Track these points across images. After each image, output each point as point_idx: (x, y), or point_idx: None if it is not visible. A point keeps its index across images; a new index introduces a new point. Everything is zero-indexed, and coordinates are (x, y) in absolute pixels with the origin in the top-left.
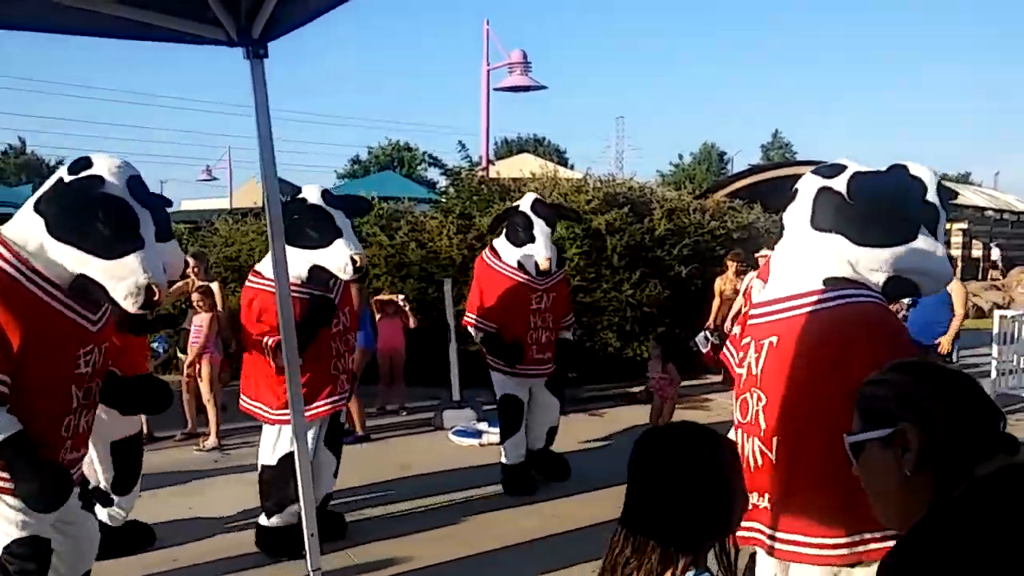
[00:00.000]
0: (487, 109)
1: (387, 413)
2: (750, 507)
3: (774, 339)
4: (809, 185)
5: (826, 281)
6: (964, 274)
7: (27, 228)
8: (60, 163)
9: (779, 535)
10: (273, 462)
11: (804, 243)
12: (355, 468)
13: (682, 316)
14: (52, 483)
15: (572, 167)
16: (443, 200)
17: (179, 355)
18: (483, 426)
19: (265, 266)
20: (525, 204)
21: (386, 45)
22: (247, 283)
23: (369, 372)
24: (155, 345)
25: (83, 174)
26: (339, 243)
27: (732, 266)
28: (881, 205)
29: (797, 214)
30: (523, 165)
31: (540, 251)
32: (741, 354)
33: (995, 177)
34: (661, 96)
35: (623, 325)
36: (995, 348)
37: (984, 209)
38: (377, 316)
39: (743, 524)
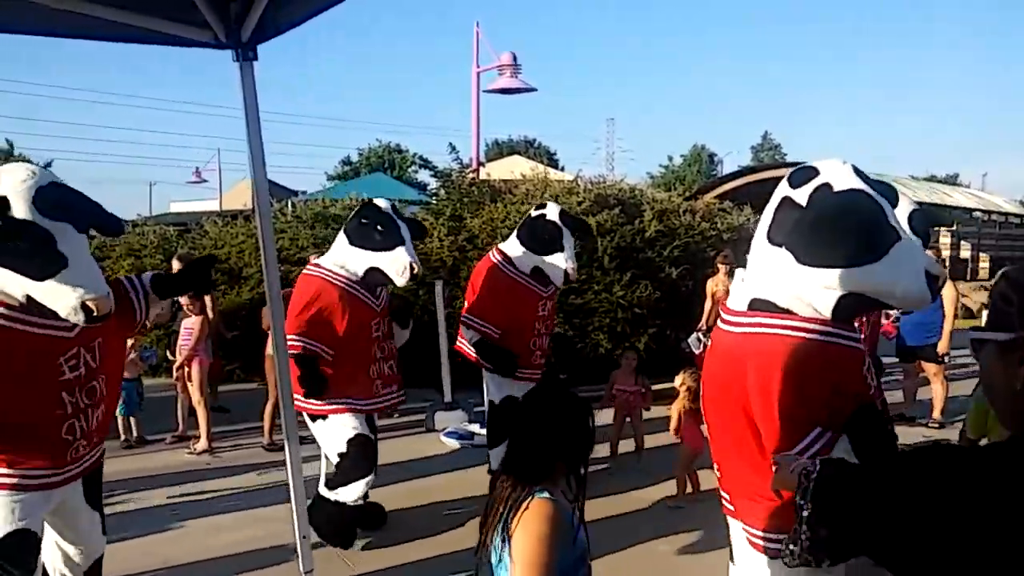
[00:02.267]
0: (477, 111)
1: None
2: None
3: (711, 346)
4: (778, 192)
5: (751, 303)
6: (952, 275)
7: None
8: (48, 165)
9: (727, 507)
10: (344, 448)
11: (758, 254)
12: None
13: (673, 317)
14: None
15: (563, 169)
16: (434, 202)
17: (169, 357)
18: (475, 428)
19: (326, 258)
20: (552, 213)
21: (376, 47)
22: (307, 271)
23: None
24: (147, 354)
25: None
26: (401, 249)
27: (723, 268)
28: (836, 222)
29: (762, 222)
30: (514, 167)
31: (570, 261)
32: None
33: (983, 178)
34: (651, 98)
35: (614, 326)
36: None
37: (972, 210)
38: None
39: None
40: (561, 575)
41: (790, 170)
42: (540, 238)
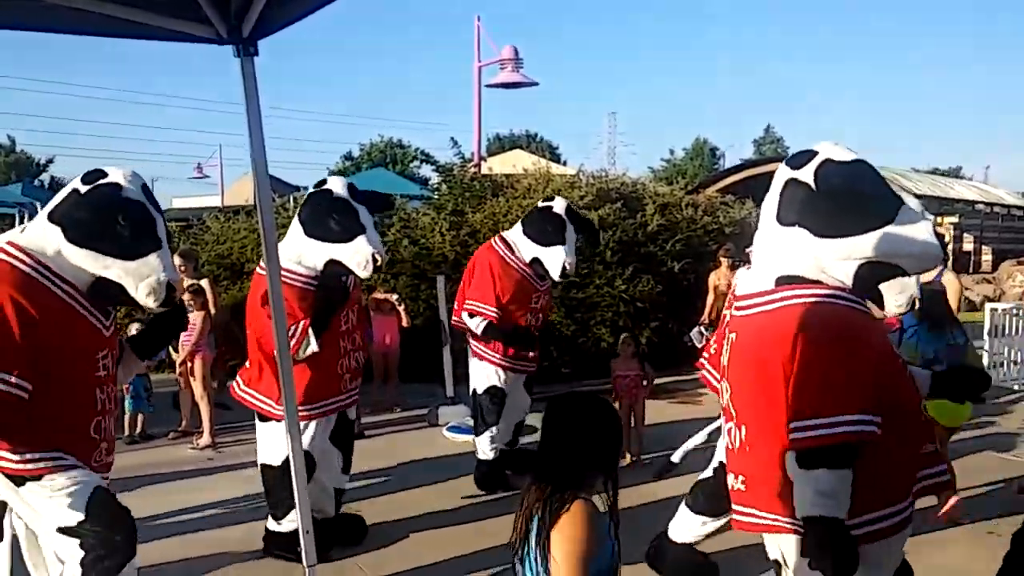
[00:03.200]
0: (479, 105)
1: (381, 410)
2: (733, 490)
3: (734, 336)
4: (779, 177)
5: (779, 280)
6: (955, 268)
7: (42, 237)
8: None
9: (760, 514)
10: (278, 461)
11: (769, 239)
12: None
13: (675, 311)
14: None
15: (565, 163)
16: (435, 197)
17: (172, 353)
18: None
19: (283, 256)
20: (559, 207)
21: (378, 42)
22: (260, 272)
23: (364, 370)
24: None
25: (100, 182)
26: (361, 239)
27: (725, 261)
28: (847, 192)
29: (767, 207)
30: (516, 161)
31: (569, 256)
32: (723, 344)
33: (986, 171)
34: (653, 91)
35: (616, 320)
36: (987, 341)
37: (975, 203)
38: (371, 314)
39: (734, 508)
40: None
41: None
42: (543, 229)
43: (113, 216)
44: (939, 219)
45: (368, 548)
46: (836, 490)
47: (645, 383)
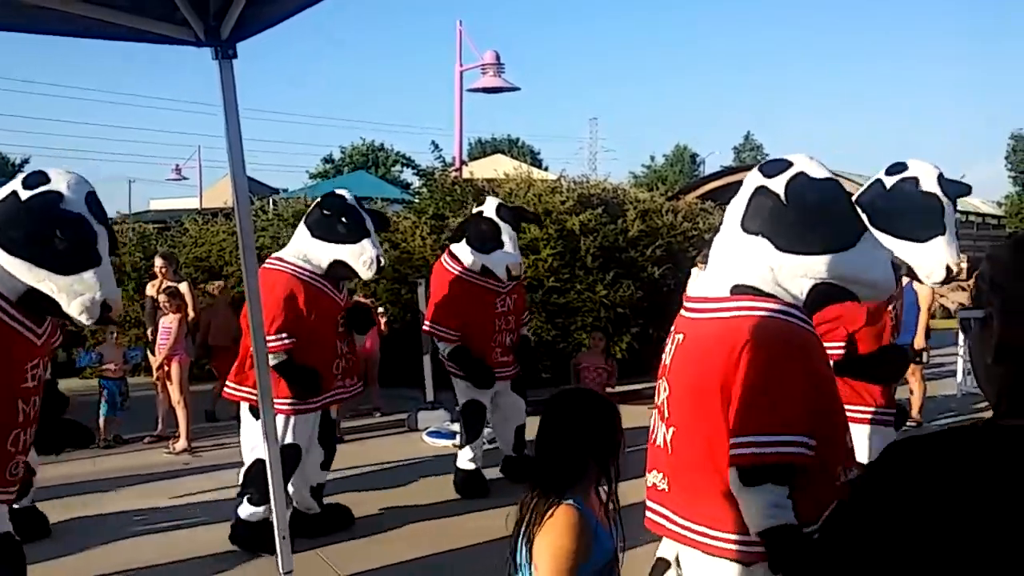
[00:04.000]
0: (460, 110)
1: (361, 415)
2: (651, 486)
3: (680, 336)
4: (749, 182)
5: (734, 288)
6: None
7: None
8: (26, 161)
9: (674, 518)
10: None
11: (731, 244)
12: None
13: (655, 317)
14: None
15: (546, 168)
16: (416, 201)
17: (148, 357)
18: (457, 427)
19: (287, 252)
20: (489, 210)
21: (359, 45)
22: (267, 266)
23: None
24: (132, 354)
25: (40, 189)
26: (366, 242)
27: (703, 267)
28: (816, 210)
29: (733, 211)
30: (497, 166)
31: (512, 257)
32: (668, 341)
33: (961, 179)
34: (634, 98)
35: (597, 325)
36: (961, 347)
37: None
38: None
39: (648, 505)
40: None
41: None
42: (480, 236)
43: (51, 229)
44: None
45: (345, 550)
46: (784, 502)
47: (609, 372)
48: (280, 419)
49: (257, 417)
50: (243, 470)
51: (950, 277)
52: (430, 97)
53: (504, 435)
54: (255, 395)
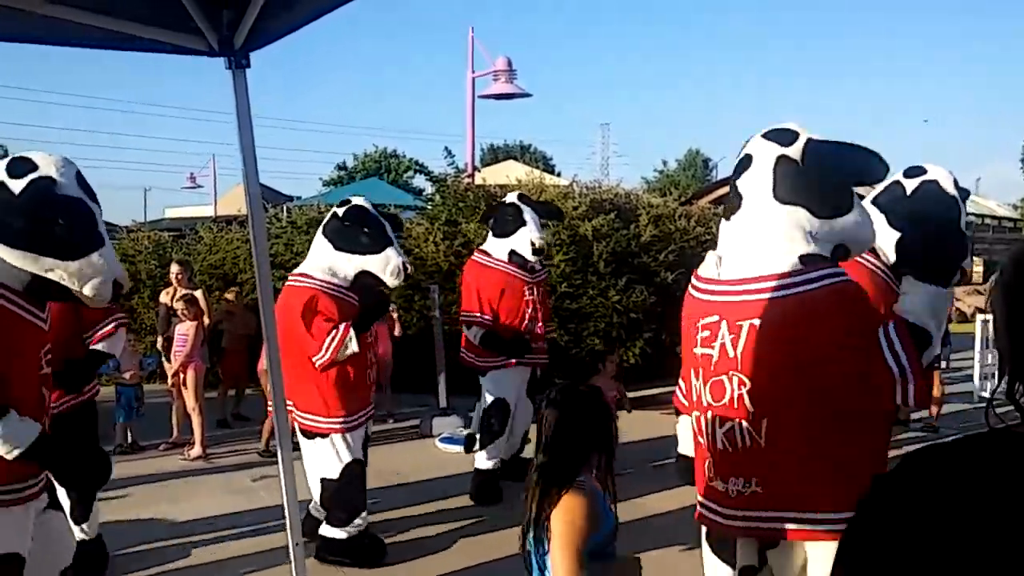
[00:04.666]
0: (472, 116)
1: (373, 420)
2: (733, 495)
3: (756, 321)
4: (765, 152)
5: (803, 259)
6: None
7: None
8: None
9: (775, 515)
10: (336, 474)
11: (768, 215)
12: None
13: (668, 322)
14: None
15: (558, 174)
16: (429, 207)
17: (164, 364)
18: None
19: (311, 267)
20: (511, 197)
21: (371, 52)
22: (292, 283)
23: None
24: (148, 361)
25: (31, 177)
26: (391, 250)
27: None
28: (833, 173)
29: (756, 183)
30: (509, 172)
31: (533, 231)
32: (704, 333)
33: (976, 183)
34: (646, 103)
35: (609, 331)
36: (978, 352)
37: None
38: None
39: (726, 512)
40: (594, 551)
41: (765, 129)
42: (503, 221)
43: (52, 216)
44: None
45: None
46: None
47: (619, 398)
48: (338, 438)
49: (310, 438)
50: (317, 495)
51: (964, 278)
52: (443, 104)
53: (512, 439)
54: (307, 418)
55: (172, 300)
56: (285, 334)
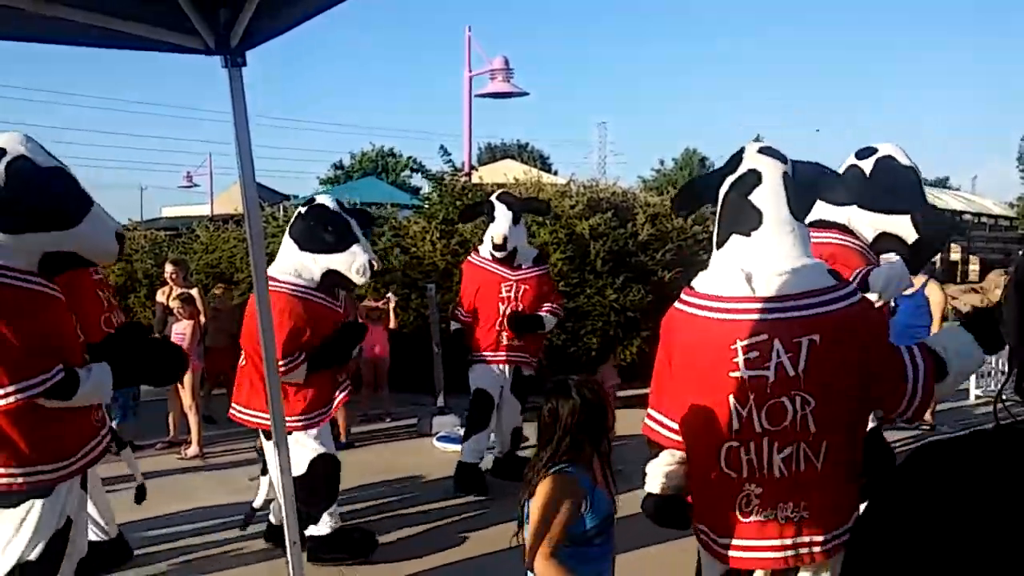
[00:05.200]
0: (469, 115)
1: (371, 420)
2: (783, 521)
3: (815, 337)
4: (772, 169)
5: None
6: (943, 277)
7: None
8: None
9: (819, 539)
10: (303, 469)
11: (792, 231)
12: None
13: None
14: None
15: (556, 173)
16: (426, 206)
17: None
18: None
19: (277, 269)
20: (493, 196)
21: (369, 51)
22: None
23: (353, 379)
24: None
25: (5, 160)
26: (356, 248)
27: None
28: (811, 192)
29: (772, 199)
30: (506, 171)
31: (496, 226)
32: (752, 354)
33: (973, 181)
34: (643, 102)
35: (607, 330)
36: None
37: (962, 213)
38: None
39: (765, 544)
40: (579, 538)
41: (756, 144)
42: (487, 220)
43: (44, 191)
44: None
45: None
46: None
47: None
48: (300, 436)
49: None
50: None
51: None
52: (440, 103)
53: (501, 436)
54: (266, 419)
55: (168, 299)
56: (248, 336)
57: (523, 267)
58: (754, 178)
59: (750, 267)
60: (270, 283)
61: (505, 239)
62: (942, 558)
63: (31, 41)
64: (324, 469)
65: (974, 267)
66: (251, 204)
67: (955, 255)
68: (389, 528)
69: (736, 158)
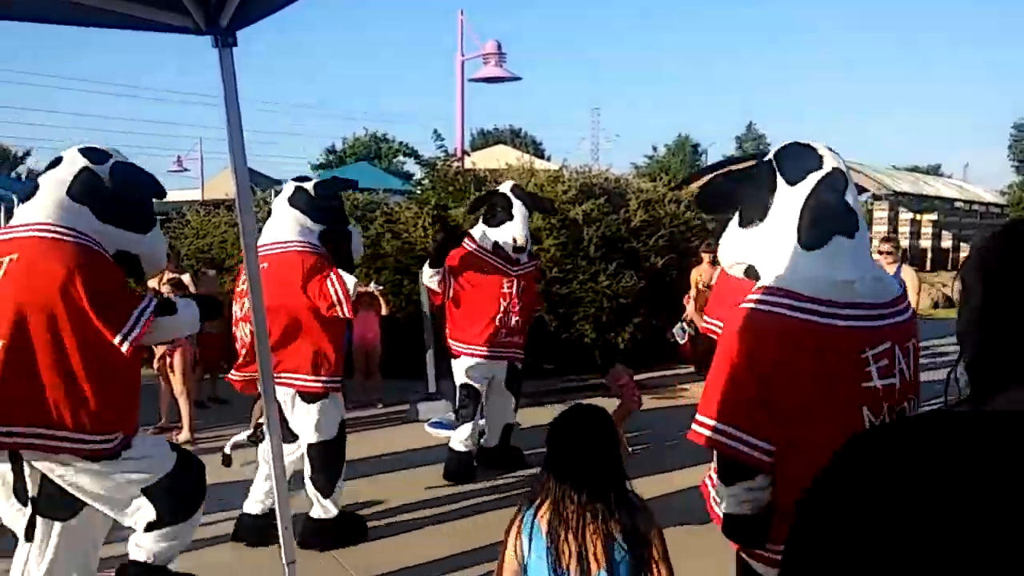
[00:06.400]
0: (462, 100)
1: (363, 406)
2: None
3: (913, 341)
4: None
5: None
6: (934, 265)
7: (72, 218)
8: (28, 153)
9: None
10: (334, 434)
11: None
12: None
13: (658, 307)
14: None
15: (549, 158)
16: (418, 191)
17: (151, 347)
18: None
19: (287, 234)
20: (505, 188)
21: (360, 34)
22: (298, 249)
23: (345, 365)
24: None
25: (111, 161)
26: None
27: (707, 257)
28: None
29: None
30: (499, 156)
31: (517, 227)
32: (883, 362)
33: (964, 169)
34: (636, 88)
35: (599, 316)
36: None
37: (953, 200)
38: None
39: None
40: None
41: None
42: (492, 210)
43: (136, 194)
44: (918, 216)
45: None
46: None
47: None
48: (336, 397)
49: (309, 401)
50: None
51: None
52: (433, 87)
53: (491, 430)
54: (301, 379)
55: (160, 284)
56: (276, 301)
57: (521, 262)
58: (843, 178)
59: (854, 271)
60: (284, 245)
61: (526, 240)
62: (867, 547)
63: (18, 19)
64: (344, 435)
65: (965, 255)
66: (242, 184)
67: (946, 243)
68: (379, 515)
69: (791, 156)
